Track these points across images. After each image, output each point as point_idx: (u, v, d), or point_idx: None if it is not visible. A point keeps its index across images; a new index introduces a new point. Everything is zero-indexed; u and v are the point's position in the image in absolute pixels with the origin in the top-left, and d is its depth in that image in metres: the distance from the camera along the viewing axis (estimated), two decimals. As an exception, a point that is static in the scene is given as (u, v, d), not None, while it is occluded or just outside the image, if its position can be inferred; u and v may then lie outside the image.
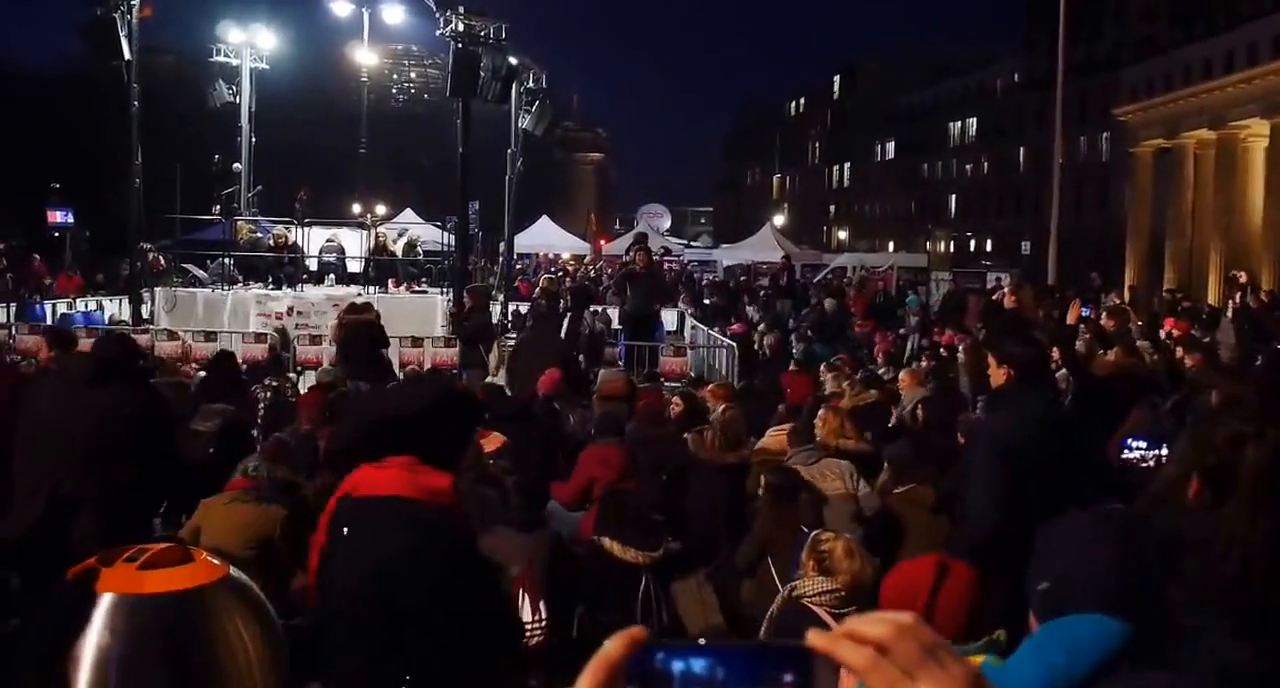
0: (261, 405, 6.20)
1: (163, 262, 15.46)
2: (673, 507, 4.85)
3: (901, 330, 14.59)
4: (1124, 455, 3.76)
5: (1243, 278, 16.15)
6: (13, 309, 13.49)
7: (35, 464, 3.37)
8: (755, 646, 0.64)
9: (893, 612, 0.67)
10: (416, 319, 13.16)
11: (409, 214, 24.82)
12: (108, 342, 3.84)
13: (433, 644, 1.95)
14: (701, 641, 0.62)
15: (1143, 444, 3.80)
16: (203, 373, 8.90)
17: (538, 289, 17.60)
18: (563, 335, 10.63)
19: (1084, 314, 8.38)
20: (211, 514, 4.00)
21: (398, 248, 16.00)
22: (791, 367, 9.37)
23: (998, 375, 3.37)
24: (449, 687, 1.97)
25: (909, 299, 17.72)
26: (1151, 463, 3.65)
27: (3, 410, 3.65)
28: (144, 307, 13.62)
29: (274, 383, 6.48)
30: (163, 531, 4.04)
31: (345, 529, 1.99)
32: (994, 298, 7.68)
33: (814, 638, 0.64)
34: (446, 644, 1.96)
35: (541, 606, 3.27)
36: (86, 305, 15.17)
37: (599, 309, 14.33)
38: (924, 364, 9.07)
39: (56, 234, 25.06)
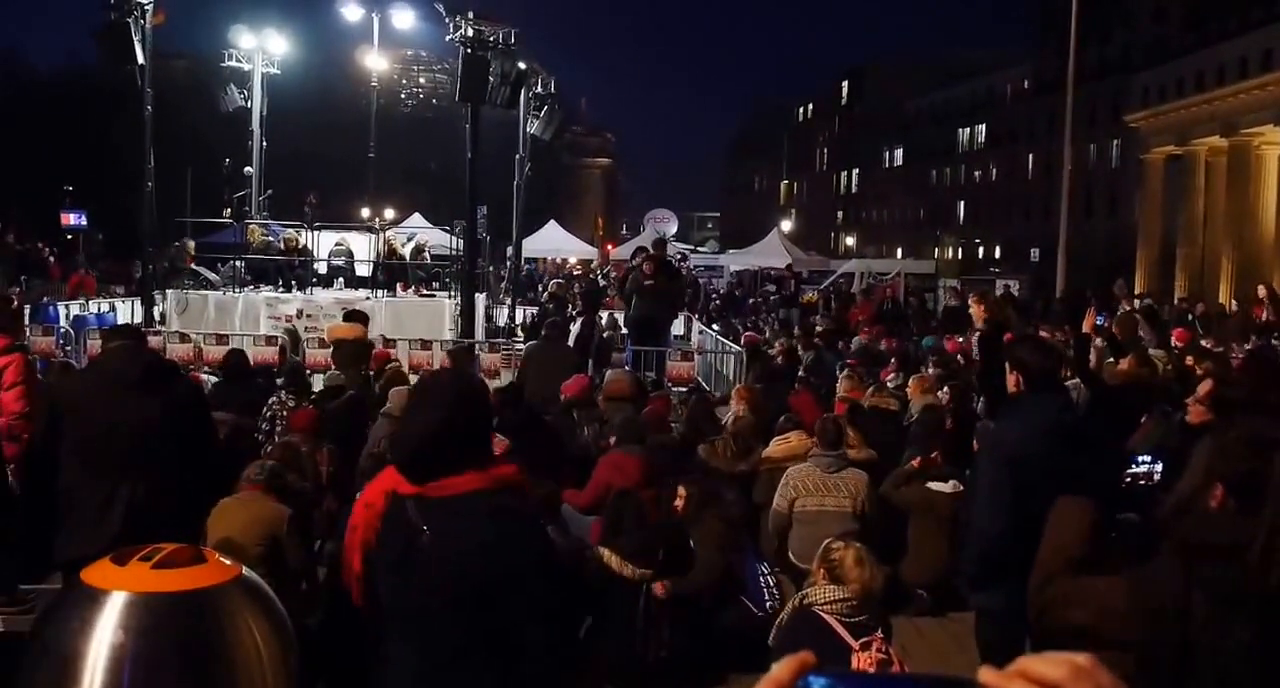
0: (280, 423, 6.19)
1: (191, 253, 15.71)
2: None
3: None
4: (1129, 470, 3.74)
5: (1262, 292, 16.01)
6: (27, 311, 13.58)
7: (95, 474, 3.31)
8: (924, 677, 0.64)
9: (1069, 653, 0.64)
10: (425, 322, 13.21)
11: (417, 218, 24.90)
12: (139, 343, 3.78)
13: (531, 627, 2.03)
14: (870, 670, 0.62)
15: (1148, 459, 3.79)
16: (215, 378, 8.93)
17: (546, 293, 17.64)
18: (573, 340, 10.63)
19: (1099, 323, 8.33)
20: (222, 512, 4.03)
21: (406, 252, 16.06)
22: (800, 373, 9.37)
23: (1010, 381, 3.38)
24: (547, 661, 2.06)
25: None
26: (1157, 478, 3.63)
27: (44, 419, 3.65)
28: (155, 309, 13.69)
29: (290, 402, 6.45)
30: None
31: (425, 528, 2.03)
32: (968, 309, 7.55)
33: (987, 675, 0.62)
34: (545, 627, 2.05)
35: None
36: (99, 307, 15.27)
37: (606, 314, 14.35)
38: (932, 371, 9.04)
39: (70, 236, 25.29)
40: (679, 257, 22.02)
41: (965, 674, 0.63)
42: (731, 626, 4.15)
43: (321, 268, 15.72)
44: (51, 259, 20.72)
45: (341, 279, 15.58)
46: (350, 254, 15.98)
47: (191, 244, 15.72)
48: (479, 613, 2.01)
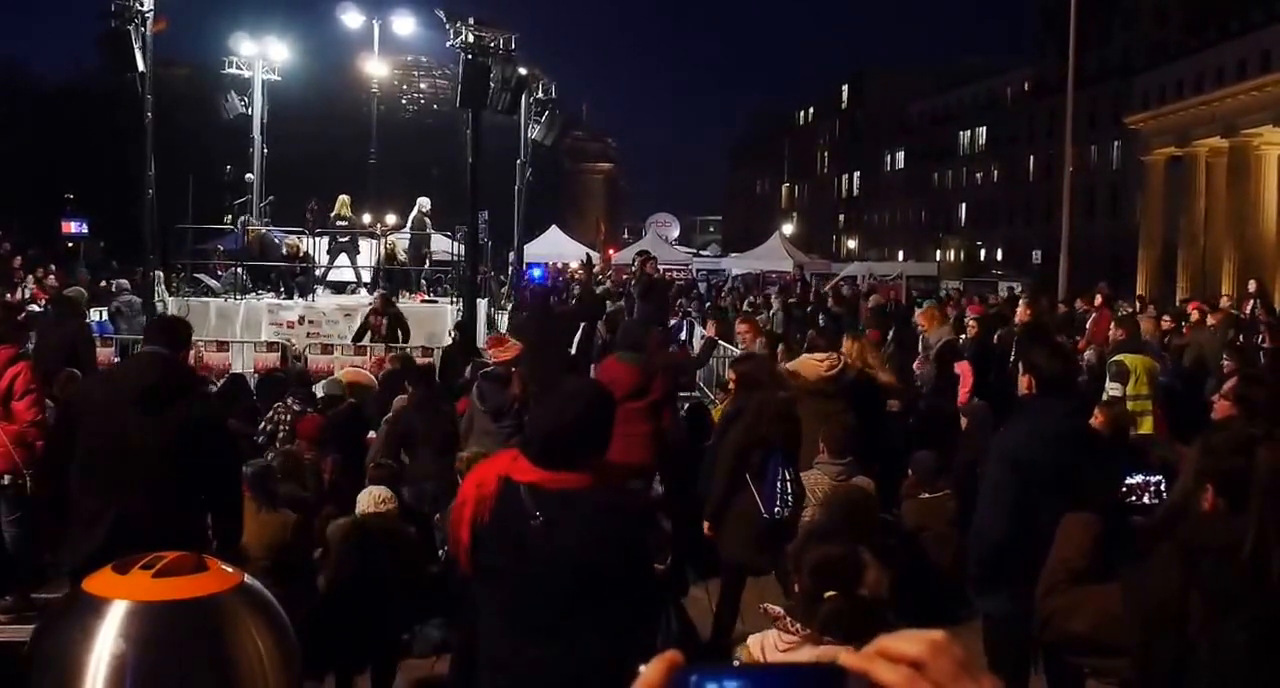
0: (283, 429, 6.15)
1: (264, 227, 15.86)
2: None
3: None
4: (1127, 482, 3.74)
5: (1252, 287, 15.98)
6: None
7: (94, 491, 3.29)
8: (789, 667, 0.65)
9: (924, 630, 0.67)
10: (427, 328, 13.20)
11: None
12: (158, 355, 3.49)
13: (628, 603, 2.35)
14: (736, 662, 0.63)
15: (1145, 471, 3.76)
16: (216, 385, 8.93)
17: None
18: (574, 347, 10.63)
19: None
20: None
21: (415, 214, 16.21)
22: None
23: (1022, 383, 3.38)
24: (631, 636, 2.37)
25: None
26: (1151, 490, 3.61)
27: (56, 430, 3.65)
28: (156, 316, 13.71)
29: (295, 407, 6.39)
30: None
31: (538, 514, 2.28)
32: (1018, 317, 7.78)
33: (847, 657, 0.65)
34: (635, 603, 2.40)
35: None
36: (102, 314, 15.27)
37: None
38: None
39: (70, 244, 25.37)
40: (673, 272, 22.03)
41: (831, 661, 0.66)
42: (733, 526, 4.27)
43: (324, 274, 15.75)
44: (53, 267, 20.76)
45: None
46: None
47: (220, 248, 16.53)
48: (573, 592, 2.28)
